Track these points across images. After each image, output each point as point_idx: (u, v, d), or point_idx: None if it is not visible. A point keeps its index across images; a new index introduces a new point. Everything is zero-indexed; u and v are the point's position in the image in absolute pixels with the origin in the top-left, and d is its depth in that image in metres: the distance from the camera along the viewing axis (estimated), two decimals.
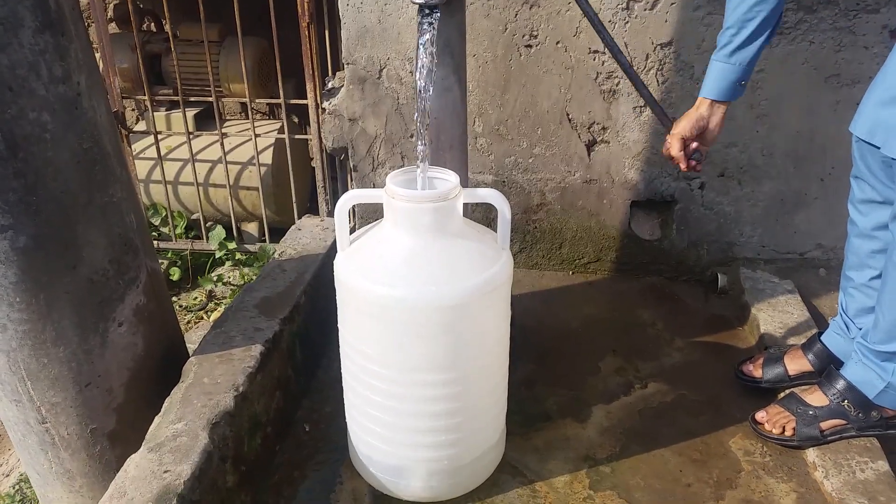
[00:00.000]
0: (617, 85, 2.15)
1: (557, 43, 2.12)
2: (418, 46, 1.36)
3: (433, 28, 1.34)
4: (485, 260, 1.32)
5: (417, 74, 1.36)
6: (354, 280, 1.30)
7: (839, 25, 2.01)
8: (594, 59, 2.13)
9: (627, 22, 2.06)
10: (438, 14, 1.34)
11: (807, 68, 2.07)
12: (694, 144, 1.54)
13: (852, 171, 1.56)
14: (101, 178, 1.37)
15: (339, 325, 1.41)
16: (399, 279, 1.26)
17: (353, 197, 1.36)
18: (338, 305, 1.39)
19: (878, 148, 1.40)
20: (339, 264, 1.36)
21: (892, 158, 1.36)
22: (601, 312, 2.20)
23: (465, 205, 1.37)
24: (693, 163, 1.57)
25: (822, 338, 1.73)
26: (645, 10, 2.04)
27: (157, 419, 1.37)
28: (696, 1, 2.01)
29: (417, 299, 1.25)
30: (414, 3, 1.32)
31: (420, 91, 1.36)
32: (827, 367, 1.65)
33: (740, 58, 1.44)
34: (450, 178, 1.36)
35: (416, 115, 1.37)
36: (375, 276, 1.28)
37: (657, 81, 2.12)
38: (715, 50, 1.48)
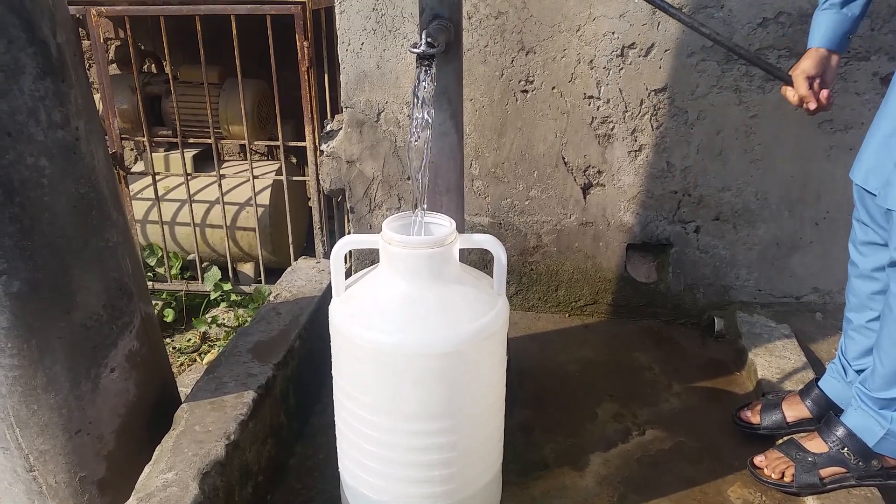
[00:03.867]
0: (612, 129, 2.17)
1: (553, 88, 2.15)
2: (415, 94, 1.37)
3: (431, 76, 1.35)
4: (481, 306, 1.31)
5: (414, 121, 1.37)
6: (349, 326, 1.29)
7: None
8: (589, 105, 2.15)
9: (622, 68, 2.09)
10: (436, 63, 1.35)
11: (800, 113, 2.09)
12: (817, 82, 1.52)
13: (854, 213, 1.57)
14: (97, 223, 1.37)
15: (333, 372, 1.39)
16: (394, 325, 1.26)
17: (349, 242, 1.36)
18: (332, 351, 1.38)
19: (875, 195, 1.41)
20: (333, 310, 1.35)
21: (888, 209, 1.37)
22: (598, 356, 2.18)
23: (461, 249, 1.37)
24: (825, 98, 1.53)
25: (820, 384, 1.72)
26: (639, 56, 2.07)
27: (147, 468, 1.34)
28: (689, 48, 2.04)
29: (412, 346, 1.24)
30: (412, 52, 1.34)
31: (417, 137, 1.37)
32: (825, 414, 1.64)
33: (851, 10, 1.46)
34: (446, 223, 1.36)
35: (412, 160, 1.37)
36: (370, 322, 1.27)
37: (651, 126, 2.15)
38: (820, 4, 1.50)
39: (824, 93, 1.52)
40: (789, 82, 1.56)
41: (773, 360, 2.00)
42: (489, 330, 1.29)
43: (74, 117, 1.31)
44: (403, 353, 1.24)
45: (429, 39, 1.32)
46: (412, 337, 1.24)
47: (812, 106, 1.54)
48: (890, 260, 1.40)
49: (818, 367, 2.00)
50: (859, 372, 1.64)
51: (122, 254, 1.46)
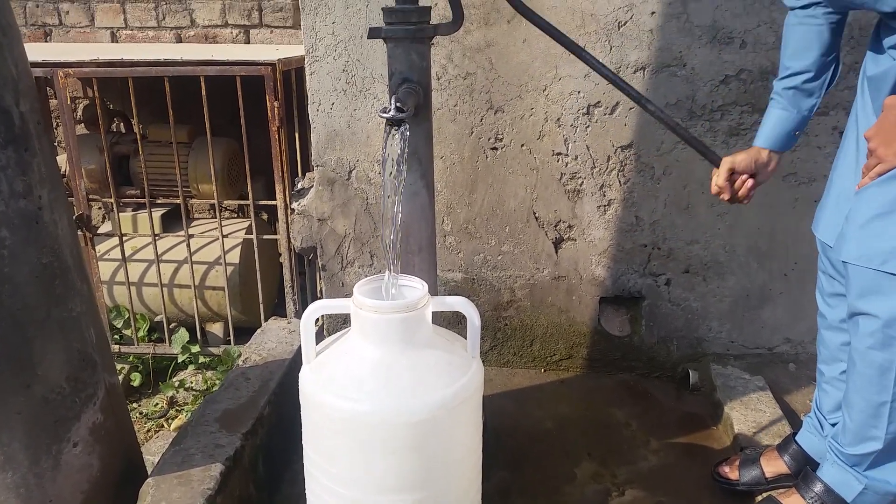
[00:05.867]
0: (580, 185, 2.19)
1: (522, 145, 2.17)
2: (386, 157, 1.37)
3: (402, 140, 1.36)
4: (454, 370, 1.29)
5: (385, 184, 1.37)
6: (319, 394, 1.26)
7: None
8: (558, 161, 2.17)
9: (588, 126, 2.12)
10: (407, 127, 1.36)
11: None
12: (745, 177, 1.54)
13: (818, 264, 1.59)
14: (60, 293, 1.34)
15: (303, 442, 1.36)
16: (366, 393, 1.23)
17: (319, 308, 1.34)
18: (302, 420, 1.34)
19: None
20: (304, 378, 1.32)
21: (843, 261, 1.39)
22: (575, 412, 2.16)
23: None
24: (745, 192, 1.55)
25: (797, 438, 1.72)
26: (605, 114, 2.11)
27: None
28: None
29: (385, 414, 1.21)
30: (381, 117, 1.34)
31: (388, 201, 1.37)
32: (803, 469, 1.63)
33: (801, 109, 1.48)
34: (418, 285, 1.35)
35: (384, 224, 1.37)
36: (341, 390, 1.24)
37: (619, 182, 2.17)
38: (772, 99, 1.51)
39: (749, 183, 1.56)
40: (718, 165, 1.59)
41: (749, 413, 1.99)
42: (463, 395, 1.27)
43: (37, 186, 1.29)
44: (376, 423, 1.21)
45: (398, 104, 1.33)
46: (384, 405, 1.21)
47: (725, 198, 1.58)
48: (848, 312, 1.41)
49: (794, 420, 2.00)
50: (835, 425, 1.63)
51: (87, 323, 1.42)
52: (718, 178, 1.57)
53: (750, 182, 1.56)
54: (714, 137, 2.11)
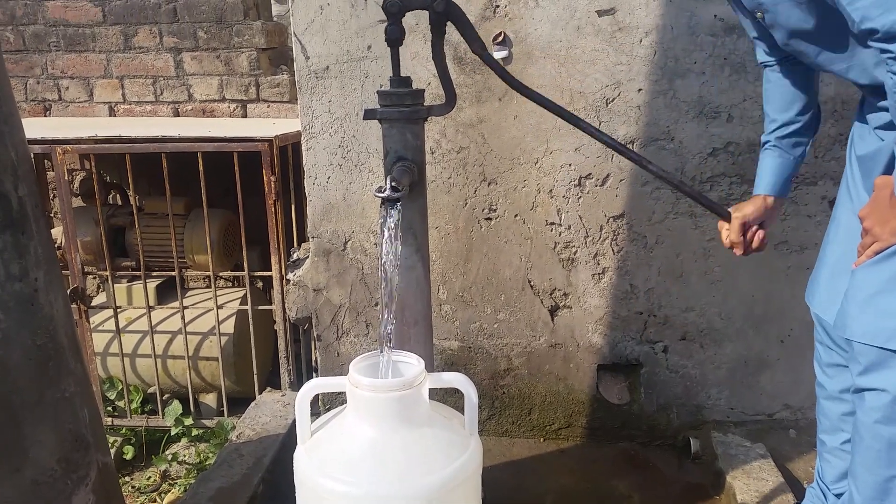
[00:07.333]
0: (574, 254, 2.21)
1: (516, 216, 2.20)
2: (382, 234, 1.39)
3: (397, 218, 1.37)
4: (452, 449, 1.28)
5: (382, 260, 1.38)
6: (314, 477, 1.24)
7: None
8: (551, 231, 2.20)
9: (580, 197, 2.15)
10: (401, 205, 1.38)
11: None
12: (754, 229, 1.57)
13: (815, 334, 1.59)
14: (53, 374, 1.33)
15: None
16: (362, 476, 1.21)
17: (315, 387, 1.33)
18: (297, 502, 1.32)
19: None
20: (298, 458, 1.30)
21: (847, 339, 1.38)
22: (575, 484, 2.13)
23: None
24: (759, 240, 1.57)
25: None
26: (596, 185, 2.15)
27: None
28: (643, 177, 2.12)
29: (380, 498, 1.19)
30: (377, 196, 1.36)
31: (385, 277, 1.37)
32: None
33: (794, 152, 1.54)
34: (414, 361, 1.35)
35: (381, 300, 1.37)
36: (336, 473, 1.22)
37: (612, 250, 2.19)
38: (764, 147, 1.56)
39: (760, 234, 1.58)
40: (727, 219, 1.61)
41: (751, 482, 1.96)
42: (461, 476, 1.25)
43: (33, 268, 1.29)
44: None
45: (393, 184, 1.35)
46: (379, 489, 1.19)
47: (738, 252, 1.60)
48: (855, 387, 1.40)
49: (796, 488, 1.97)
50: (838, 496, 1.61)
51: (80, 403, 1.40)
52: (732, 233, 1.58)
53: (761, 232, 1.58)
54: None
